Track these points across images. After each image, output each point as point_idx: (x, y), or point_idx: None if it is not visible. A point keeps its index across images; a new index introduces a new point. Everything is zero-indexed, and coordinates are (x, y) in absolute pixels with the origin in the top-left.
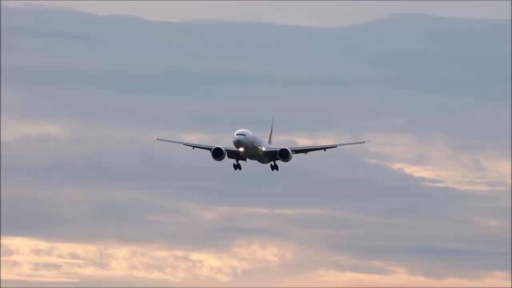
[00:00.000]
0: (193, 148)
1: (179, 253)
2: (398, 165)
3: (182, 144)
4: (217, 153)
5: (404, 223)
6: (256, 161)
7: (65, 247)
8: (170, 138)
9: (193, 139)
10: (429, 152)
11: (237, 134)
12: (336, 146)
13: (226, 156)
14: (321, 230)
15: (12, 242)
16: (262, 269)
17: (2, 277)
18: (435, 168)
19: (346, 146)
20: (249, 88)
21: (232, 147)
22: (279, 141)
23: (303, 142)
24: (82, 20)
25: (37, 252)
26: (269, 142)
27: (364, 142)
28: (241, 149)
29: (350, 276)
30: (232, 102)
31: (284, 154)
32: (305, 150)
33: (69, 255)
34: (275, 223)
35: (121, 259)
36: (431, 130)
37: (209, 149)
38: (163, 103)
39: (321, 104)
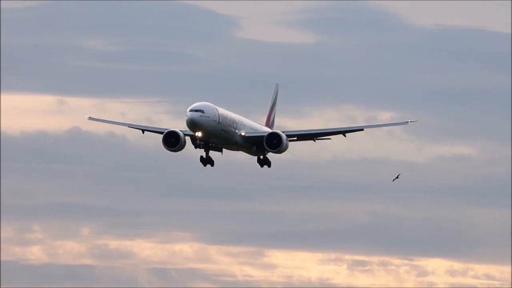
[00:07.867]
0: (143, 132)
1: None
2: None
3: (127, 127)
4: (170, 140)
5: None
6: (241, 153)
7: (480, 268)
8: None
9: None
10: None
11: (191, 110)
12: (362, 129)
13: (192, 144)
14: None
15: (427, 263)
16: None
17: None
18: None
19: None
20: None
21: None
22: None
23: None
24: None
25: (452, 273)
26: (268, 125)
27: (407, 122)
28: (199, 134)
29: None
30: None
31: (274, 143)
32: (311, 135)
33: (484, 276)
34: None
35: None
36: None
37: (162, 133)
38: None
39: None
